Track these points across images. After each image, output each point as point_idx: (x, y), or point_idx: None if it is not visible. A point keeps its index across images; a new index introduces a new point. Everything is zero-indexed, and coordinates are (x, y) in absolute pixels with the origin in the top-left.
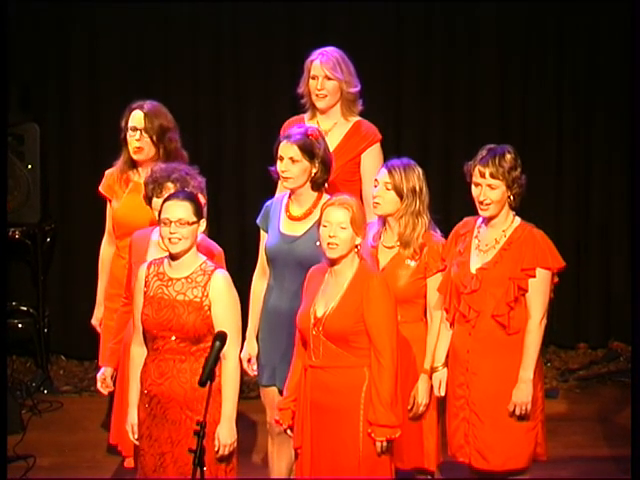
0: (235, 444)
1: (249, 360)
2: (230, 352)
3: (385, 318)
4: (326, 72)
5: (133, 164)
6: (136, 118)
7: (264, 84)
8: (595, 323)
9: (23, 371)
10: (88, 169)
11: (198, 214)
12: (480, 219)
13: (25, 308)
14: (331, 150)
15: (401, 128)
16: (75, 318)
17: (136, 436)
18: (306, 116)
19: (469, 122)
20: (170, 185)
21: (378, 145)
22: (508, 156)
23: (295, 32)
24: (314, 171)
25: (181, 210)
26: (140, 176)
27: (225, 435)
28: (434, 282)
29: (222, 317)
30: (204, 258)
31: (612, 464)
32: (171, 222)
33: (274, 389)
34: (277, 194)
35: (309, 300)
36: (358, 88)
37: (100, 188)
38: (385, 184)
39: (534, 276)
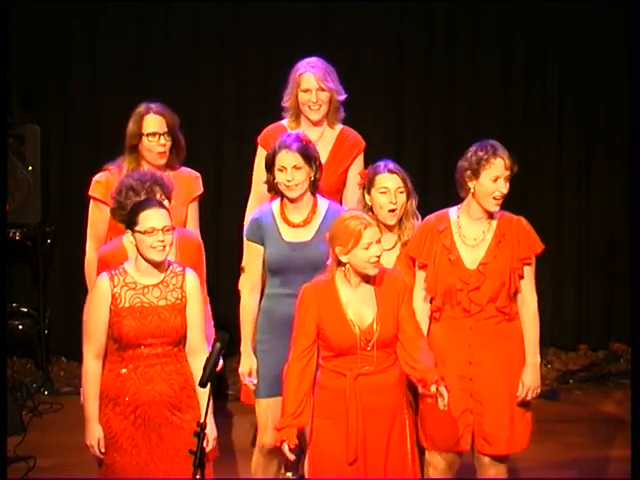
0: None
1: (249, 374)
2: (202, 347)
3: (413, 311)
4: (320, 84)
5: (138, 169)
6: (156, 123)
7: (265, 84)
8: (596, 325)
9: (23, 372)
10: (89, 170)
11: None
12: (455, 214)
13: (25, 309)
14: (323, 161)
15: (401, 128)
16: (75, 319)
17: (103, 450)
18: (289, 126)
19: (469, 122)
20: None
21: (362, 153)
22: None
23: (296, 32)
24: (312, 175)
25: (164, 217)
26: None
27: (213, 429)
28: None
29: (195, 315)
30: (168, 260)
31: (612, 465)
32: (158, 230)
33: (277, 399)
34: (251, 205)
35: (338, 317)
36: (345, 95)
37: (94, 194)
38: (397, 189)
39: (530, 264)
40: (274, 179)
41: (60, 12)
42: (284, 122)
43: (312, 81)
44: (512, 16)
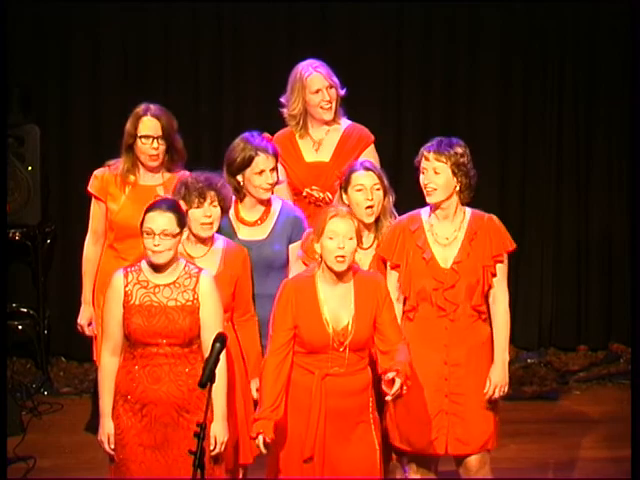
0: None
1: None
2: None
3: (395, 316)
4: (328, 81)
5: (134, 168)
6: (151, 126)
7: (264, 85)
8: (595, 325)
9: (23, 373)
10: (88, 171)
11: (181, 224)
12: (426, 214)
13: (25, 310)
14: (328, 159)
15: (401, 128)
16: (75, 320)
17: (112, 446)
18: (297, 133)
19: (469, 122)
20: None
21: (373, 146)
22: (456, 144)
23: (295, 32)
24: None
25: (165, 221)
26: (141, 178)
27: (222, 432)
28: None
29: (210, 318)
30: (184, 261)
31: (612, 465)
32: (155, 234)
33: None
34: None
35: (313, 315)
36: (344, 89)
37: (90, 189)
38: (373, 186)
39: (502, 262)
40: (242, 182)
41: (60, 12)
42: (295, 131)
43: (321, 80)
44: (512, 16)
